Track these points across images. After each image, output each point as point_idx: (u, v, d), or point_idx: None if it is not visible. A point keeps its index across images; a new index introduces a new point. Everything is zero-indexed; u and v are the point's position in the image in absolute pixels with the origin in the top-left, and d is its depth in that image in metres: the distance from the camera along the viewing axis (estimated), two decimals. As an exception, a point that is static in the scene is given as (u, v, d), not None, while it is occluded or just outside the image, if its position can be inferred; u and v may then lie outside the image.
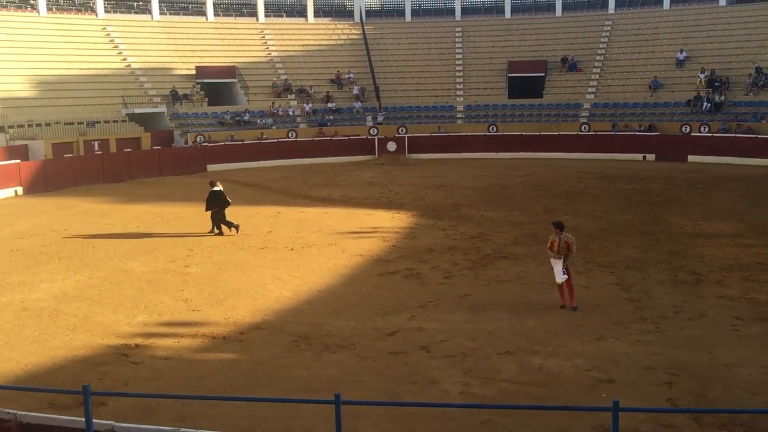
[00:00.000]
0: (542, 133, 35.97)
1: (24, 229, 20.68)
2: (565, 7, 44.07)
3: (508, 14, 44.89)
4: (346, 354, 11.10)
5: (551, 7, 44.32)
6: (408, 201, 24.38)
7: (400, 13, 45.98)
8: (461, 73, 41.80)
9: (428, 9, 46.19)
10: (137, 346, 11.53)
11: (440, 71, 42.06)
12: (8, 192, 26.94)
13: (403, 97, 40.53)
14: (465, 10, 45.67)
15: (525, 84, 40.31)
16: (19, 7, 38.25)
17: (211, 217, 19.75)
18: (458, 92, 40.80)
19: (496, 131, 37.03)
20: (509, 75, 40.81)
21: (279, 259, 16.84)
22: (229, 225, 19.65)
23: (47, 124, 31.81)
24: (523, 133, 36.11)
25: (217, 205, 19.67)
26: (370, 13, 46.20)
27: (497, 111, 39.16)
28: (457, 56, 42.89)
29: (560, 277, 12.79)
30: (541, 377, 10.12)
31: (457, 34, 44.32)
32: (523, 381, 9.99)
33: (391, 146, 36.15)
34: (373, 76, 40.89)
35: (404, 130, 37.39)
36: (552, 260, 12.94)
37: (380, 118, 38.62)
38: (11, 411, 6.30)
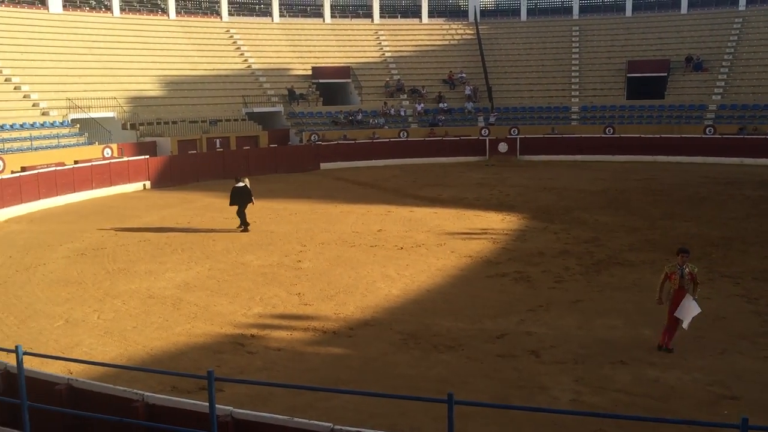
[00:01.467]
0: (663, 136, 34.50)
1: (151, 221, 21.92)
2: (691, 4, 42.07)
3: (629, 12, 43.36)
4: (453, 355, 11.07)
5: (676, 4, 42.42)
6: (519, 203, 24.02)
7: (516, 12, 45.37)
8: (577, 74, 40.74)
9: (544, 8, 45.34)
10: (252, 336, 11.97)
11: (555, 71, 41.18)
12: (137, 185, 28.65)
13: (516, 98, 39.96)
14: (583, 9, 44.50)
15: (645, 84, 38.79)
16: (151, 11, 40.60)
17: (237, 213, 20.34)
18: (573, 93, 39.77)
19: (613, 133, 35.84)
20: (628, 75, 39.40)
21: (388, 258, 17.02)
22: (243, 222, 20.23)
23: (174, 122, 33.60)
24: (642, 136, 34.78)
25: (239, 200, 20.26)
26: (485, 12, 45.86)
27: (614, 112, 37.90)
28: (574, 56, 41.85)
29: (696, 309, 10.65)
30: (657, 390, 9.71)
31: (574, 34, 43.25)
32: (638, 392, 9.63)
33: (503, 147, 35.72)
34: (486, 76, 40.53)
35: (516, 131, 36.85)
36: (684, 300, 10.68)
37: (492, 119, 38.24)
38: (139, 392, 6.68)
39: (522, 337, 11.71)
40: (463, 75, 41.06)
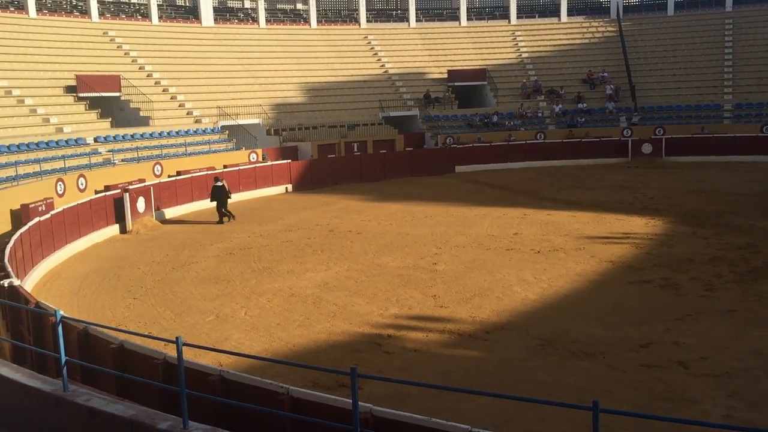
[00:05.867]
0: (829, 134, 31.73)
1: (292, 223, 22.82)
2: None
3: (789, 1, 40.24)
4: (593, 362, 10.72)
5: None
6: (664, 206, 22.87)
7: (662, 6, 43.31)
8: (730, 69, 38.24)
9: (694, 1, 42.96)
10: (389, 336, 12.16)
11: (705, 67, 38.90)
12: (280, 189, 29.92)
13: (662, 96, 38.10)
14: (737, 1, 41.72)
15: (809, 79, 35.84)
16: (294, 21, 42.31)
17: (216, 208, 23.02)
18: (726, 90, 37.37)
19: (771, 132, 33.38)
20: (789, 69, 36.55)
21: (525, 261, 16.74)
22: (223, 214, 22.94)
23: (314, 127, 34.83)
24: (805, 134, 32.15)
25: (217, 198, 22.99)
26: (628, 8, 44.13)
27: (773, 109, 35.27)
28: (726, 51, 39.33)
29: None
30: (822, 409, 8.94)
31: (726, 27, 40.66)
32: (800, 411, 8.91)
33: (647, 148, 34.14)
34: (629, 74, 38.94)
35: (661, 131, 35.15)
36: None
37: (635, 119, 36.67)
38: (284, 385, 6.97)
39: (669, 347, 11.15)
40: (605, 74, 39.66)
